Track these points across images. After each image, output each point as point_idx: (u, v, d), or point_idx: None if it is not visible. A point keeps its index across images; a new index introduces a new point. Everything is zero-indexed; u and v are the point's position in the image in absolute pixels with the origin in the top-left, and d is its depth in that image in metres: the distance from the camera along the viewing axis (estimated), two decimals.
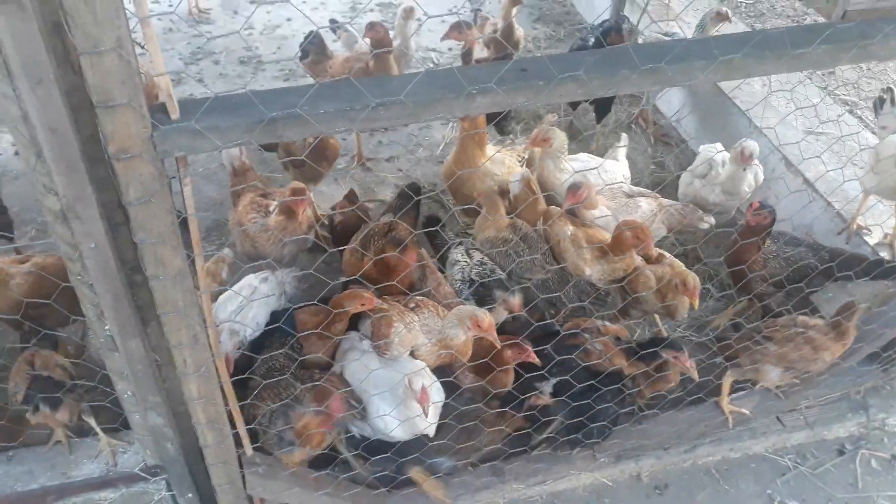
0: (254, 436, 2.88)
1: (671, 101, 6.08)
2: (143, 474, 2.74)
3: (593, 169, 4.29)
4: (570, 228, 3.91)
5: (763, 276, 3.97)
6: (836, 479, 4.05)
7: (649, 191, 4.39)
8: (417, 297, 3.54)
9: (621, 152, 4.70)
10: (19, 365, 3.05)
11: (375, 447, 3.24)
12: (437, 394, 3.23)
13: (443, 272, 4.06)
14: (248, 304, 3.41)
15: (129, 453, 2.89)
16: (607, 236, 3.89)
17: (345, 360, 3.35)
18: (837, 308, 3.70)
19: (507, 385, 3.45)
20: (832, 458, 4.14)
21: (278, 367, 3.10)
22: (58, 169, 1.78)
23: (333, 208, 4.28)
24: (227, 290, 3.57)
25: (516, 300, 3.65)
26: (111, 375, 2.39)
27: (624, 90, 2.07)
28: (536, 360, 3.27)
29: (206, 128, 1.70)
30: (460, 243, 4.16)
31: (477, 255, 4.00)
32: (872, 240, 4.27)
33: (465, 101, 1.88)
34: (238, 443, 2.63)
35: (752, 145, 4.20)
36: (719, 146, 4.57)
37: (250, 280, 3.64)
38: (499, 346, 3.21)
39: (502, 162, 4.43)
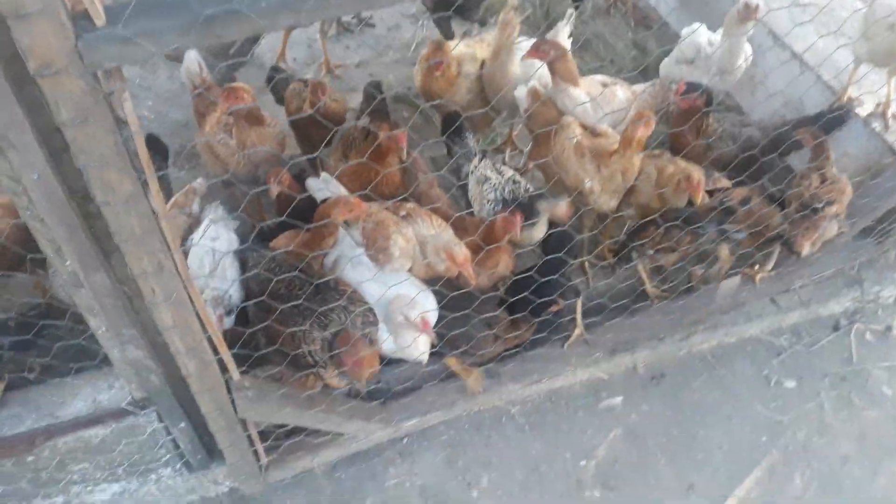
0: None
1: None
2: (130, 409, 2.68)
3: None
4: (577, 134, 3.54)
5: (711, 159, 3.73)
6: (831, 355, 4.08)
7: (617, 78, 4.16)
8: (409, 205, 3.40)
9: (563, 32, 4.25)
10: None
11: None
12: (431, 315, 3.11)
13: (456, 184, 3.84)
14: (220, 265, 3.20)
15: (115, 388, 2.83)
16: (612, 145, 3.56)
17: (336, 272, 3.23)
18: (813, 151, 3.60)
19: (508, 269, 3.38)
20: (827, 334, 4.16)
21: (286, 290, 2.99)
22: None
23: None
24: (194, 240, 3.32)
25: (563, 207, 3.39)
26: (82, 312, 2.28)
27: None
28: (517, 231, 3.19)
29: (137, 33, 1.51)
30: (484, 155, 3.88)
31: (508, 171, 3.73)
32: (864, 111, 4.12)
33: None
34: (223, 368, 2.56)
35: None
36: (702, 26, 4.34)
37: (205, 243, 3.29)
38: (474, 283, 3.12)
39: (473, 57, 4.19)
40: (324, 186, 3.50)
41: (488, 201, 3.65)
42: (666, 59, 4.46)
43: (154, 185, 1.85)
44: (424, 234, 3.23)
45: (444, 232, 3.30)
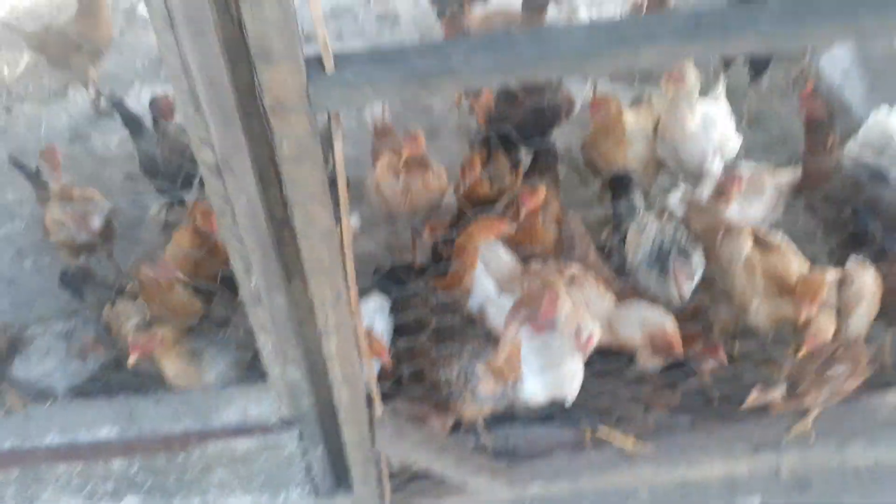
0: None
1: (835, 60, 5.44)
2: (277, 426, 2.80)
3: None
4: (747, 249, 3.27)
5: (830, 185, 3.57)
6: None
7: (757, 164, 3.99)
8: (574, 269, 3.26)
9: (719, 98, 4.09)
10: None
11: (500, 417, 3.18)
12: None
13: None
14: None
15: (265, 404, 2.96)
16: (792, 268, 3.24)
17: (484, 319, 3.19)
18: None
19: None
20: None
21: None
22: (215, 121, 1.78)
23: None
24: None
25: (688, 271, 3.24)
26: (254, 328, 2.43)
27: (811, 42, 1.84)
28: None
29: (362, 81, 1.64)
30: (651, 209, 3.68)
31: (675, 217, 3.49)
32: None
33: (629, 53, 1.71)
34: (369, 401, 2.63)
35: None
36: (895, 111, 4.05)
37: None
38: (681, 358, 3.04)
39: (644, 133, 4.12)
40: None
41: (642, 252, 3.45)
42: (850, 143, 4.18)
43: (346, 222, 1.97)
44: (597, 306, 3.10)
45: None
